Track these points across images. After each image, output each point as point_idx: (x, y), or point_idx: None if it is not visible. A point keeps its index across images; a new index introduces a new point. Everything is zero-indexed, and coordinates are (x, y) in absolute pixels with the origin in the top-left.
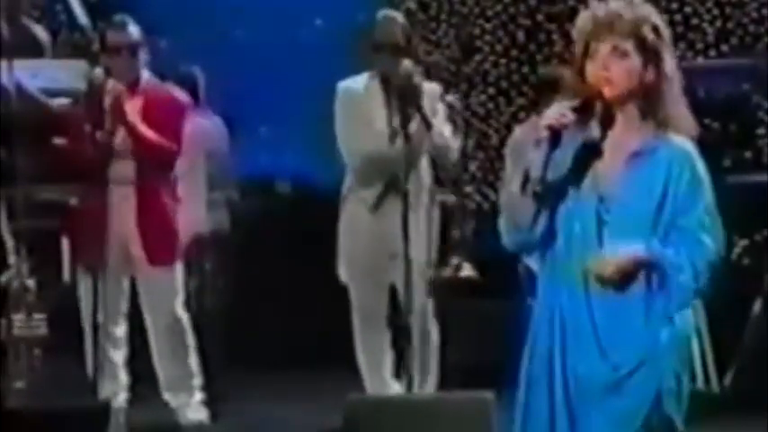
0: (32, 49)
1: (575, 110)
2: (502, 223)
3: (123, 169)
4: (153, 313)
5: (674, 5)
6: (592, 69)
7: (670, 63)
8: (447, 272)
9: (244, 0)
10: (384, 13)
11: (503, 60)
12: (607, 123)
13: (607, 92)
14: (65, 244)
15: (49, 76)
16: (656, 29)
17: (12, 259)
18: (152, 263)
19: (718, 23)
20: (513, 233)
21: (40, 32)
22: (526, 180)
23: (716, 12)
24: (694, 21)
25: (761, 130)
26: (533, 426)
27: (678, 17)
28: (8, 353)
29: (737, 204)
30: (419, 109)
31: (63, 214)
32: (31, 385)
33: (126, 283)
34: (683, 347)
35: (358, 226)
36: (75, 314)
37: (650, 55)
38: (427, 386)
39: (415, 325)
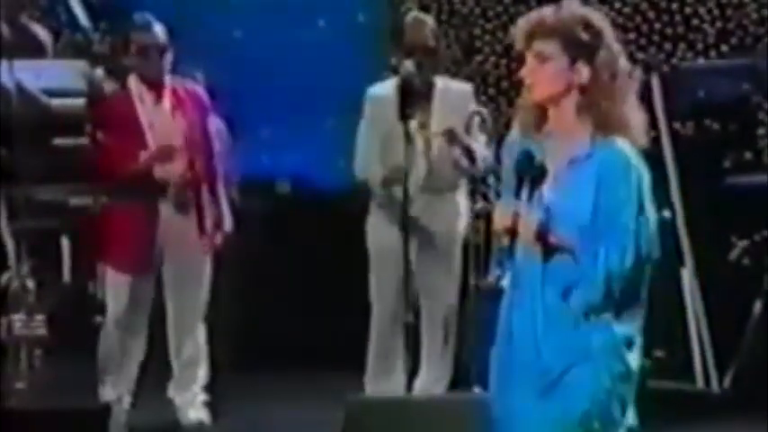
0: (34, 50)
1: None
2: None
3: (174, 168)
4: (183, 307)
5: (675, 6)
6: (523, 75)
7: (607, 59)
8: (487, 282)
9: (245, 0)
10: (414, 15)
11: (503, 61)
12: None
13: (532, 96)
14: (65, 244)
15: (50, 77)
16: (587, 25)
17: (12, 260)
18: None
19: (719, 24)
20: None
21: (42, 33)
22: None
23: (716, 12)
24: (694, 21)
25: (761, 131)
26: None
27: (678, 17)
28: (8, 353)
29: (738, 205)
30: (464, 147)
31: (64, 215)
32: (32, 385)
33: (152, 284)
34: (620, 350)
35: (388, 227)
36: (75, 314)
37: (579, 52)
38: (441, 386)
39: (433, 331)
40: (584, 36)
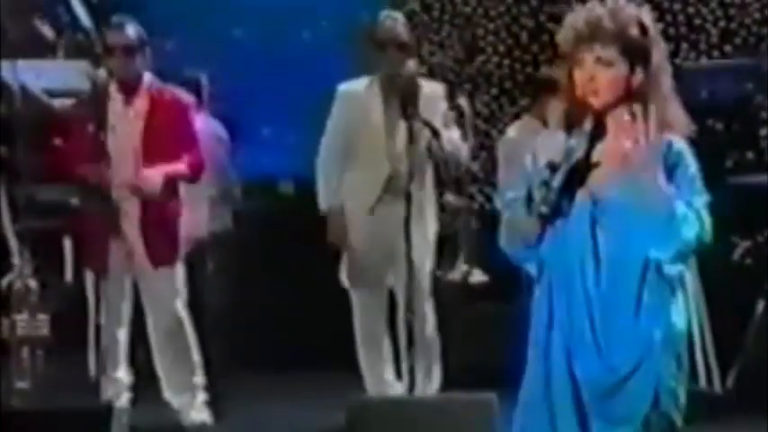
0: (36, 50)
1: (569, 125)
2: (504, 237)
3: (127, 173)
4: (154, 314)
5: (677, 6)
6: (579, 79)
7: (658, 60)
8: (456, 276)
9: (248, 0)
10: (386, 12)
11: (506, 61)
12: (598, 134)
13: (594, 102)
14: (67, 244)
15: (52, 77)
16: (641, 26)
17: (15, 260)
18: (154, 265)
19: (722, 24)
20: (519, 249)
21: (45, 33)
22: (530, 200)
23: (719, 12)
24: (697, 21)
25: (763, 131)
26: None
27: (681, 18)
28: (11, 353)
29: (740, 205)
30: (425, 122)
31: (66, 215)
32: (34, 386)
33: (128, 285)
34: (678, 345)
35: (356, 229)
36: (77, 315)
37: (637, 57)
38: (430, 388)
39: (416, 327)
40: (641, 40)
